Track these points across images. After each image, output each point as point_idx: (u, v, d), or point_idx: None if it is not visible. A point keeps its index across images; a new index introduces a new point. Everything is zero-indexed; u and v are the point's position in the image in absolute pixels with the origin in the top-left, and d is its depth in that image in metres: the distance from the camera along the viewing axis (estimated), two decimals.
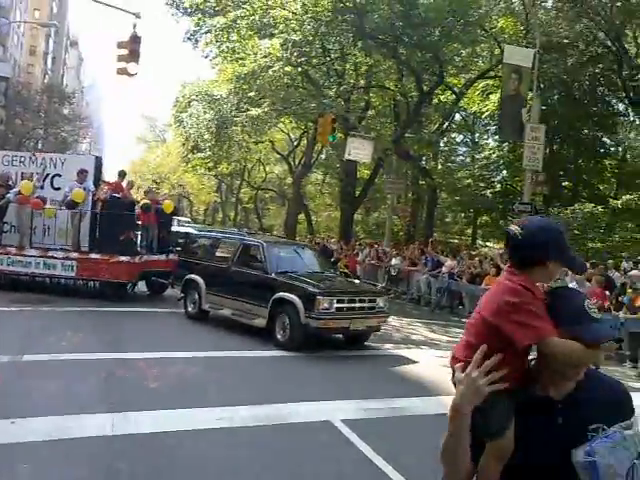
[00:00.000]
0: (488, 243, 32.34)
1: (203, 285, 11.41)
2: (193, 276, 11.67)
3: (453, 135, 32.93)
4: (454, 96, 26.22)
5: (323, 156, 32.71)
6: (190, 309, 11.70)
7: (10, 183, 13.84)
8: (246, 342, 10.02)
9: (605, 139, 27.56)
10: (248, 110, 21.67)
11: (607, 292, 12.44)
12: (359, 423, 6.20)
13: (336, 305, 9.49)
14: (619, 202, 22.74)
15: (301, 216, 35.01)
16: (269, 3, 18.08)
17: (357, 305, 9.89)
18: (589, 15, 21.03)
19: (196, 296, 11.55)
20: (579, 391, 1.80)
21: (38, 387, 6.57)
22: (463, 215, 33.31)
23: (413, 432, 6.17)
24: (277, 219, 38.84)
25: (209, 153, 28.16)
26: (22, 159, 14.94)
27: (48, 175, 14.34)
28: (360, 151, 19.75)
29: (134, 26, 14.39)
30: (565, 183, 28.86)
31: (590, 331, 1.66)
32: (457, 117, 31.23)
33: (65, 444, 5.05)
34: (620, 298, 12.41)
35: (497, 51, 22.58)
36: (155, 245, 14.22)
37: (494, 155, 28.63)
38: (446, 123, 28.42)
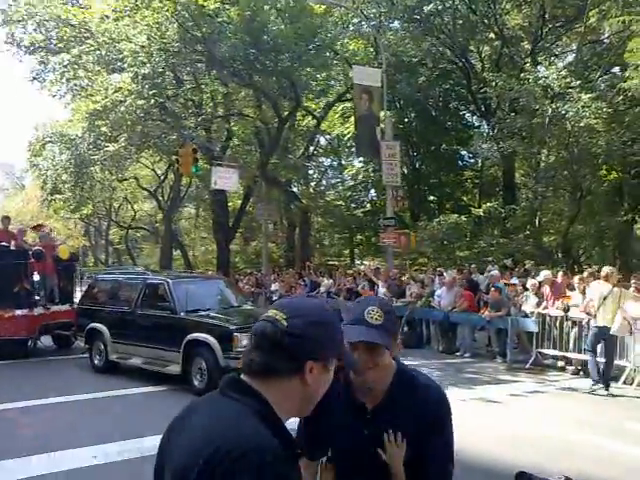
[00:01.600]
0: (365, 262, 33.08)
1: (107, 334, 10.40)
2: (96, 325, 10.66)
3: (321, 159, 33.74)
4: (315, 120, 26.87)
5: (193, 189, 32.15)
6: (97, 362, 10.62)
7: None
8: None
9: (463, 152, 29.20)
10: (105, 147, 20.83)
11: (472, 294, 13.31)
12: None
13: None
14: (481, 210, 24.13)
15: (178, 252, 34.09)
16: (113, 37, 17.51)
17: None
18: (434, 34, 22.33)
19: (102, 346, 10.51)
20: (389, 399, 1.88)
21: None
22: (338, 236, 34.00)
23: None
24: (152, 258, 37.52)
25: (69, 194, 26.66)
26: None
27: None
28: (226, 180, 19.52)
29: None
30: (431, 197, 30.41)
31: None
32: (322, 141, 32.13)
33: None
34: (485, 298, 13.06)
35: (351, 74, 23.38)
36: (56, 295, 13.13)
37: (360, 176, 29.62)
38: (311, 147, 29.06)
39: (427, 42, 22.86)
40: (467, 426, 5.61)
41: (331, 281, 17.75)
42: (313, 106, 26.69)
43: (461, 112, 29.24)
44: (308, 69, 20.47)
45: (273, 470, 1.22)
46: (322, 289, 17.35)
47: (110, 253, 44.55)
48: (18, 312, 11.86)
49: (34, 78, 23.26)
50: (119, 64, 18.20)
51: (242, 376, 1.39)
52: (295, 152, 27.17)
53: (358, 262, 31.37)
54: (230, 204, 27.95)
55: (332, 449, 1.95)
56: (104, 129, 19.69)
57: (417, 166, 29.15)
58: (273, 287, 19.19)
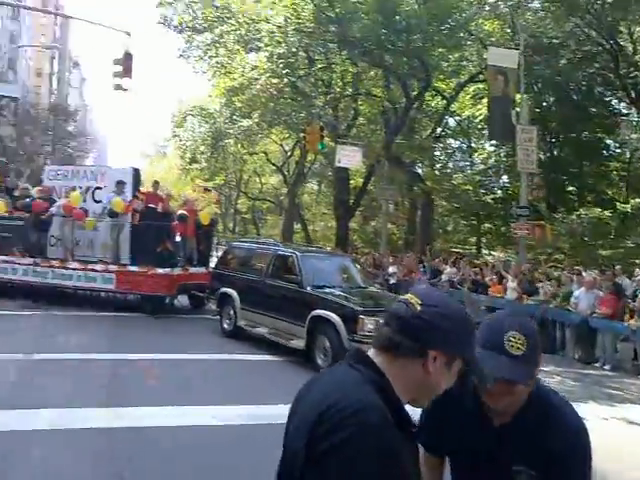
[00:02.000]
0: (493, 252, 31.58)
1: (237, 300, 10.52)
2: (227, 290, 10.82)
3: (449, 141, 32.90)
4: (445, 101, 26.33)
5: (317, 165, 32.90)
6: (226, 326, 10.84)
7: (53, 197, 14.02)
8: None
9: (608, 141, 26.69)
10: (240, 122, 22.01)
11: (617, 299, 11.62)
12: None
13: None
14: (628, 206, 21.79)
15: (299, 226, 35.19)
16: (253, 17, 18.37)
17: None
18: (578, 14, 20.76)
19: (231, 312, 10.68)
20: (519, 420, 1.75)
21: (46, 382, 6.97)
22: (465, 223, 32.85)
23: None
24: (275, 229, 38.97)
25: (205, 164, 28.52)
26: (65, 173, 14.92)
27: (89, 188, 14.23)
28: (350, 158, 19.92)
29: (126, 44, 14.84)
30: (570, 188, 28.08)
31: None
32: (452, 122, 31.31)
33: (66, 433, 5.32)
34: (631, 305, 11.51)
35: (486, 55, 22.58)
36: (194, 257, 13.71)
37: (491, 160, 28.48)
38: (439, 128, 28.51)
39: (570, 23, 21.37)
40: (607, 449, 5.03)
41: (454, 269, 17.27)
42: (444, 87, 26.15)
43: (607, 98, 26.89)
44: (440, 50, 20.12)
45: (379, 432, 1.28)
46: (444, 277, 16.80)
47: (237, 222, 46.92)
48: (159, 271, 12.44)
49: (180, 55, 25.11)
50: (256, 44, 19.07)
51: (369, 351, 1.44)
52: (422, 133, 26.85)
53: (485, 252, 30.25)
54: (352, 182, 28.31)
55: (454, 448, 1.85)
56: (239, 104, 20.74)
57: (555, 153, 27.42)
58: (391, 269, 18.93)
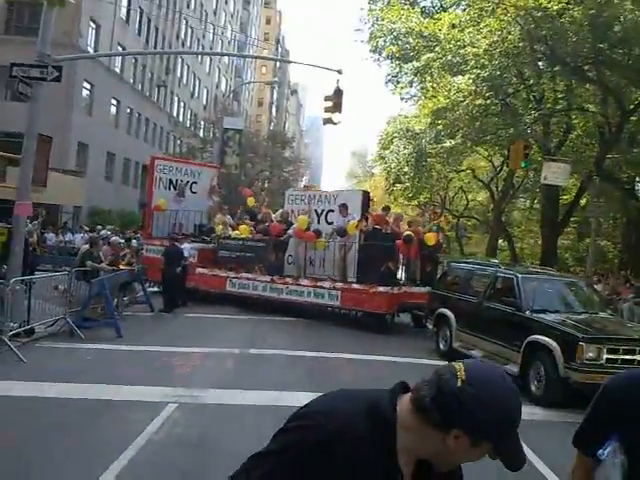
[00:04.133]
0: None
1: (454, 321, 10.68)
2: (444, 310, 11.02)
3: None
4: None
5: (528, 180, 32.61)
6: (441, 346, 11.09)
7: (290, 220, 15.88)
8: None
9: None
10: (443, 142, 23.24)
11: None
12: None
13: (606, 356, 7.67)
14: None
15: (505, 243, 35.05)
16: (458, 43, 19.54)
17: (638, 357, 7.76)
18: None
19: (448, 332, 10.84)
20: None
21: (258, 371, 9.02)
22: None
23: None
24: (480, 247, 39.08)
25: (408, 184, 30.16)
26: (303, 197, 16.83)
27: (324, 211, 15.80)
28: (557, 175, 19.92)
29: (337, 81, 16.84)
30: None
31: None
32: None
33: (272, 409, 6.85)
34: None
35: None
36: (417, 277, 14.33)
37: None
38: None
39: None
40: None
41: None
42: None
43: None
44: None
45: (316, 434, 1.36)
46: None
47: (441, 239, 47.51)
48: (380, 289, 13.16)
49: (389, 80, 27.31)
50: (462, 67, 20.12)
51: (408, 395, 1.44)
52: None
53: None
54: (566, 196, 27.72)
55: None
56: (441, 127, 21.99)
57: None
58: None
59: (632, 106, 21.46)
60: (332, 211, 15.34)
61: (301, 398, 7.41)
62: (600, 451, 1.82)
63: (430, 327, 11.94)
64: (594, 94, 22.04)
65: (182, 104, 47.75)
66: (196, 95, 51.29)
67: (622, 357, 7.71)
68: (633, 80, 20.05)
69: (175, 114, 46.27)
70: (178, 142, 46.29)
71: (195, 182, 19.08)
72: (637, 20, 18.44)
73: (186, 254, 15.55)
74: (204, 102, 53.30)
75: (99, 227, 23.40)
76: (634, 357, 7.74)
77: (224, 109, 45.07)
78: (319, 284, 14.33)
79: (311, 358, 10.21)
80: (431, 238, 14.54)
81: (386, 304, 13.31)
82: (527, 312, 8.84)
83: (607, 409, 1.87)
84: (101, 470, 4.91)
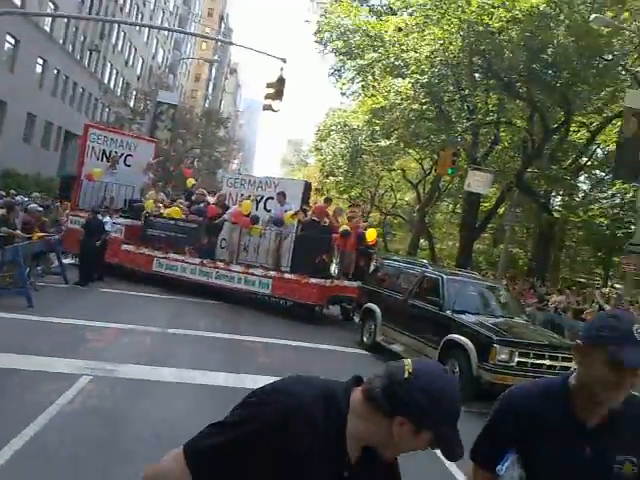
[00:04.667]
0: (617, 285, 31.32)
1: (380, 316, 11.01)
2: (371, 305, 11.37)
3: (596, 171, 32.55)
4: (589, 134, 26.52)
5: (454, 185, 34.01)
6: (365, 339, 11.41)
7: (226, 203, 15.48)
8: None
9: None
10: (378, 142, 23.96)
11: None
12: None
13: (518, 359, 8.01)
14: None
15: (426, 243, 36.47)
16: (402, 47, 20.20)
17: (547, 362, 8.13)
18: None
19: (372, 326, 11.17)
20: (612, 418, 1.79)
21: (173, 349, 9.19)
22: (597, 254, 32.69)
23: None
24: (402, 244, 40.40)
25: (341, 178, 30.84)
26: (242, 182, 16.37)
27: (262, 197, 15.46)
28: (479, 184, 21.07)
29: (281, 69, 17.05)
30: None
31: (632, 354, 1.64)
32: (600, 153, 31.10)
33: (188, 386, 7.24)
34: None
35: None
36: (351, 271, 14.35)
37: (629, 195, 28.12)
38: (584, 159, 28.63)
39: None
40: None
41: (562, 297, 18.10)
42: (591, 119, 26.33)
43: None
44: (584, 87, 20.68)
45: (268, 405, 1.48)
46: (550, 304, 17.78)
47: None
48: (312, 280, 13.24)
49: (331, 74, 27.77)
50: (403, 70, 20.82)
51: (361, 387, 1.56)
52: (563, 163, 27.21)
53: (617, 285, 29.82)
54: (486, 204, 29.20)
55: (544, 468, 1.83)
56: (377, 128, 22.67)
57: None
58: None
59: (555, 125, 22.95)
60: (271, 198, 15.21)
61: (217, 377, 7.78)
62: (499, 466, 1.84)
63: (357, 320, 12.25)
64: (522, 110, 23.36)
65: (115, 71, 45.88)
66: (130, 64, 49.49)
67: (532, 361, 8.08)
68: (558, 101, 21.50)
69: (106, 81, 44.45)
70: (107, 110, 44.61)
71: (130, 155, 18.27)
72: (567, 46, 19.78)
73: (108, 228, 15.11)
74: (138, 72, 51.55)
75: (12, 192, 22.14)
76: (543, 362, 8.12)
77: (159, 81, 43.93)
78: (251, 271, 14.23)
79: (231, 340, 10.38)
80: (372, 234, 14.81)
81: (317, 295, 13.42)
82: (448, 312, 9.24)
83: (506, 421, 1.89)
84: (12, 436, 4.90)
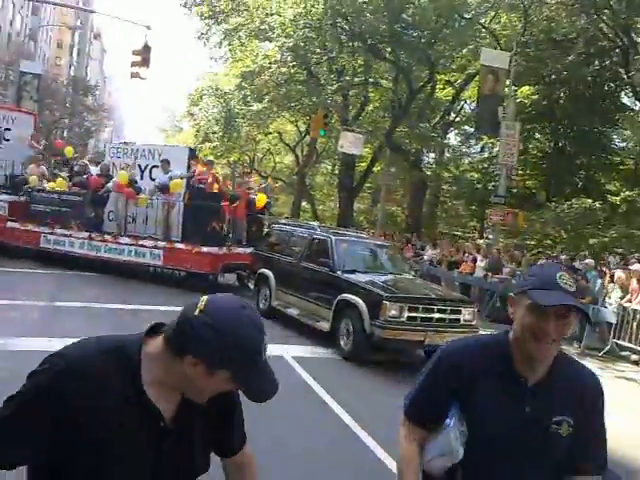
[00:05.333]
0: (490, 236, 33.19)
1: (273, 281, 10.93)
2: (265, 271, 11.23)
3: (465, 127, 34.13)
4: (454, 91, 27.88)
5: (332, 148, 34.56)
6: (262, 305, 11.15)
7: (110, 173, 14.72)
8: None
9: (614, 135, 28.16)
10: (251, 105, 23.82)
11: None
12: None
13: (407, 314, 8.21)
14: (618, 198, 23.43)
15: (308, 205, 37.04)
16: (266, 11, 20.05)
17: (436, 316, 8.43)
18: (592, 11, 21.58)
19: (267, 292, 11.08)
20: (550, 378, 1.78)
21: (63, 321, 9.01)
22: (464, 208, 34.52)
23: None
24: (285, 207, 40.71)
25: (217, 143, 30.42)
26: (125, 151, 15.58)
27: (147, 166, 14.84)
28: (352, 145, 21.63)
29: (145, 37, 16.49)
30: (571, 179, 29.12)
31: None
32: (467, 109, 32.65)
33: None
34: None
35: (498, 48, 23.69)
36: (244, 238, 14.14)
37: (496, 149, 29.89)
38: (452, 115, 30.06)
39: (582, 20, 22.43)
40: None
41: (436, 250, 19.24)
42: (456, 77, 27.56)
43: (616, 94, 28.05)
44: (445, 46, 21.64)
45: (43, 373, 1.42)
46: (425, 257, 18.88)
47: None
48: (204, 249, 12.97)
49: (198, 37, 26.97)
50: (268, 34, 20.71)
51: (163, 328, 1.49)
52: (432, 121, 28.38)
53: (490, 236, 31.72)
54: (363, 164, 30.02)
55: (481, 432, 1.78)
56: (249, 92, 22.53)
57: (561, 144, 28.80)
58: None
59: (420, 84, 23.89)
60: (156, 167, 14.64)
61: None
62: (447, 420, 1.79)
63: (251, 287, 12.18)
64: (388, 71, 24.06)
65: None
66: None
67: (422, 315, 8.28)
68: (421, 60, 22.36)
69: None
70: None
71: (9, 129, 17.34)
72: (426, 7, 20.54)
73: None
74: None
75: None
76: (432, 315, 8.36)
77: (20, 50, 40.74)
78: (140, 242, 13.85)
79: (119, 310, 10.29)
80: (262, 199, 14.65)
81: (210, 264, 13.25)
82: (338, 272, 9.27)
83: (447, 375, 1.84)
84: None
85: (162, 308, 10.53)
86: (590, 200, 22.24)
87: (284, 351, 8.47)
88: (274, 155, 40.91)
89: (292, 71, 21.39)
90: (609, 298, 12.56)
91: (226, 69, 31.38)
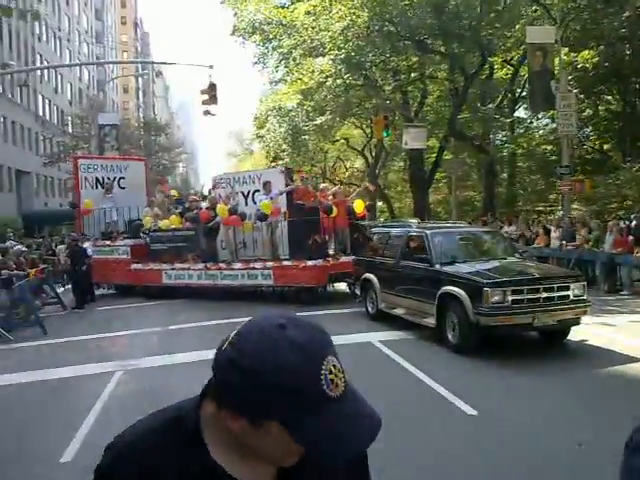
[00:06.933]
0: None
1: (377, 284, 11.31)
2: (368, 275, 11.66)
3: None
4: (513, 69, 28.75)
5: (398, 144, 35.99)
6: (370, 309, 11.71)
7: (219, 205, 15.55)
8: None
9: None
10: (314, 120, 25.90)
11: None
12: None
13: (511, 297, 8.27)
14: None
15: (385, 205, 38.61)
16: (315, 30, 22.07)
17: (543, 295, 8.42)
18: None
19: (374, 295, 11.46)
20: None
21: (179, 340, 11.11)
22: (542, 182, 34.88)
23: None
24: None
25: (288, 160, 32.73)
26: (228, 180, 16.76)
27: (250, 192, 15.92)
28: (415, 140, 23.16)
29: (209, 76, 18.68)
30: None
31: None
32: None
33: (199, 364, 8.39)
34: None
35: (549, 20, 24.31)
36: (348, 247, 14.69)
37: None
38: (518, 92, 30.73)
39: None
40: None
41: (513, 227, 20.32)
42: (513, 54, 28.31)
43: None
44: (493, 30, 22.73)
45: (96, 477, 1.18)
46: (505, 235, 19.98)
47: None
48: (309, 263, 13.66)
49: (256, 62, 29.53)
50: (321, 50, 22.71)
51: None
52: (495, 101, 29.29)
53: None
54: (433, 155, 31.25)
55: None
56: (311, 106, 24.59)
57: (632, 103, 28.88)
58: None
59: (474, 70, 25.07)
60: (258, 191, 15.53)
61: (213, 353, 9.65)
62: None
63: (358, 293, 12.59)
64: (441, 62, 25.42)
65: (47, 101, 47.00)
66: (60, 90, 50.49)
67: (527, 297, 8.37)
68: (472, 47, 23.59)
69: (41, 113, 45.54)
70: (49, 141, 45.72)
71: (123, 177, 19.36)
72: None
73: (89, 253, 16.89)
74: (69, 97, 52.53)
75: None
76: (538, 295, 8.40)
77: (93, 103, 44.99)
78: (251, 265, 14.70)
79: (225, 324, 11.76)
80: (360, 205, 15.14)
81: (316, 277, 13.77)
82: (437, 266, 9.45)
83: None
84: (85, 414, 6.86)
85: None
86: None
87: None
88: (344, 161, 42.80)
89: (347, 81, 23.22)
90: None
91: (286, 87, 33.70)
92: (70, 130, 46.11)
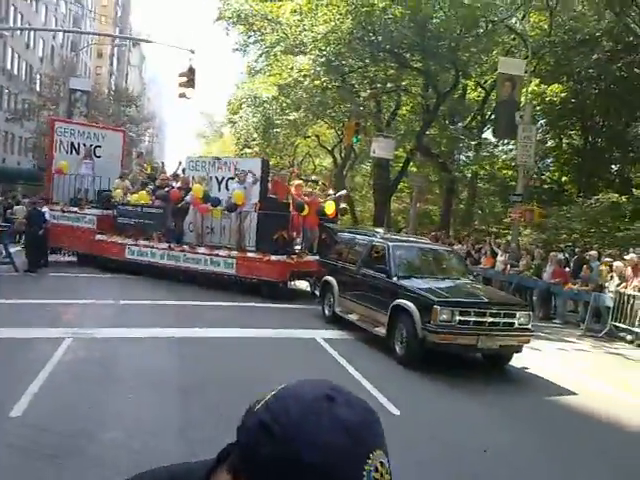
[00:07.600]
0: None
1: (336, 287, 11.64)
2: (329, 277, 11.97)
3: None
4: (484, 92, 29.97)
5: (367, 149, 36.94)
6: (326, 312, 12.05)
7: (190, 186, 15.83)
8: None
9: None
10: (287, 115, 26.59)
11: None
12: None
13: (459, 317, 8.60)
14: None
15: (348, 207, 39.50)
16: (299, 29, 22.77)
17: (489, 320, 8.76)
18: (620, 8, 23.10)
19: (331, 298, 11.80)
20: None
21: (130, 314, 11.68)
22: (500, 204, 36.36)
23: None
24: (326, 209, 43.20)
25: (257, 149, 33.34)
26: (203, 164, 16.66)
27: (224, 178, 15.92)
28: (383, 150, 24.10)
29: (190, 60, 19.01)
30: (600, 173, 30.32)
31: None
32: None
33: (149, 340, 9.53)
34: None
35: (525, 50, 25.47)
36: (314, 246, 14.96)
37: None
38: (483, 117, 32.02)
39: (605, 20, 24.02)
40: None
41: (461, 246, 21.45)
42: (487, 77, 29.50)
43: None
44: (467, 54, 23.83)
45: None
46: None
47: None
48: (273, 258, 14.02)
49: (236, 50, 30.04)
50: (302, 49, 23.42)
51: None
52: (464, 122, 30.51)
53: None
54: (399, 164, 32.21)
55: None
56: (285, 104, 25.30)
57: (592, 140, 30.35)
58: None
59: (447, 89, 26.15)
60: (232, 179, 15.66)
61: (171, 332, 10.56)
62: None
63: (317, 294, 13.02)
64: (416, 77, 26.43)
65: (16, 55, 46.12)
66: (32, 46, 49.62)
67: (474, 319, 8.68)
68: (447, 67, 24.67)
69: (9, 67, 44.71)
70: (14, 97, 44.96)
71: (99, 146, 19.21)
72: (448, 17, 22.87)
73: (47, 217, 16.87)
74: (40, 54, 51.65)
75: None
76: (484, 319, 8.73)
77: (65, 65, 44.50)
78: (215, 252, 14.96)
79: (179, 305, 12.75)
80: (331, 207, 15.47)
81: (278, 272, 14.14)
82: (394, 278, 9.79)
83: None
84: (34, 374, 6.97)
85: (224, 304, 12.61)
86: (617, 194, 23.92)
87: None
88: (313, 158, 43.52)
89: (324, 84, 23.99)
90: (609, 285, 14.76)
91: (264, 77, 34.20)
92: (38, 89, 45.49)
